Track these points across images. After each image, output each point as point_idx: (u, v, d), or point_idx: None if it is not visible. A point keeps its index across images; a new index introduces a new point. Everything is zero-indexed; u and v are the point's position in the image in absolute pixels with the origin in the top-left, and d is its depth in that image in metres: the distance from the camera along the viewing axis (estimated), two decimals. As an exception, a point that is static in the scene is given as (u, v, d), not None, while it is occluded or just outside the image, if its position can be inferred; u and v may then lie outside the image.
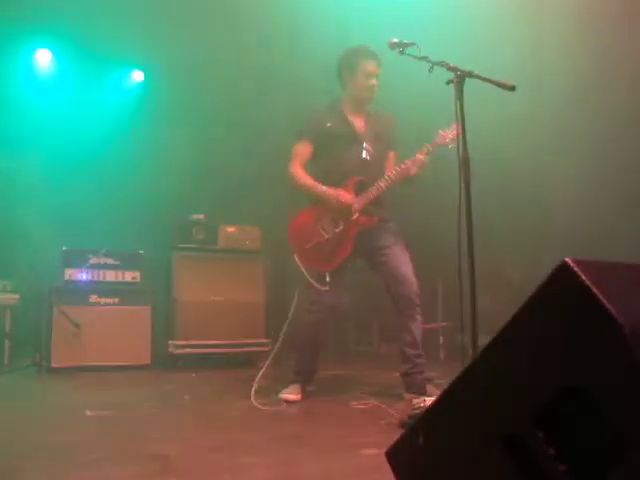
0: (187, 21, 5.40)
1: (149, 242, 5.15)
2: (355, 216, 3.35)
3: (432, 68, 2.63)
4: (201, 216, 5.20)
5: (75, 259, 4.77)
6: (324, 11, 4.93)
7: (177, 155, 5.71)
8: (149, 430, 2.70)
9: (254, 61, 5.75)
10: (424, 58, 2.69)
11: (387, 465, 1.49)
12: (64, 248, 4.76)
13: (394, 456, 1.49)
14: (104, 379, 4.17)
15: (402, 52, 2.78)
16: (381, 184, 3.35)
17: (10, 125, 5.25)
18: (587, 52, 4.51)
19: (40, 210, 5.25)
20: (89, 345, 4.52)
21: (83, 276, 4.75)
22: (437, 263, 4.85)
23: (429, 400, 2.56)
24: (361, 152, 3.49)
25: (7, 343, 4.75)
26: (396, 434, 1.54)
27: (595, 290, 1.08)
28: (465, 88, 2.49)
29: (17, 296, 4.75)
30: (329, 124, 3.49)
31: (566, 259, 1.14)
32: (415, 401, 2.90)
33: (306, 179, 3.47)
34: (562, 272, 1.14)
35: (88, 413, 3.04)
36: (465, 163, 2.45)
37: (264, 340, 4.99)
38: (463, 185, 2.43)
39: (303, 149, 3.52)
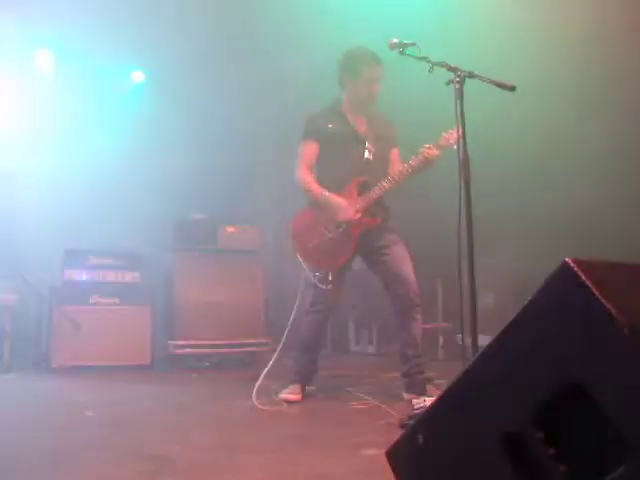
0: (187, 21, 5.40)
1: (149, 242, 5.16)
2: (357, 216, 3.35)
3: (432, 68, 2.63)
4: (201, 216, 5.20)
5: (75, 259, 4.77)
6: (325, 11, 4.93)
7: (177, 155, 5.71)
8: (149, 430, 2.70)
9: (254, 61, 5.75)
10: (424, 58, 2.69)
11: (387, 465, 1.49)
12: (64, 248, 4.76)
13: (394, 456, 1.49)
14: (104, 379, 4.17)
15: (402, 52, 2.78)
16: (384, 184, 3.35)
17: (10, 125, 5.25)
18: (590, 55, 4.51)
19: (40, 210, 5.25)
20: (89, 345, 4.52)
21: (83, 276, 4.75)
22: (437, 263, 4.85)
23: (429, 400, 2.56)
24: (363, 152, 3.49)
25: (7, 343, 4.75)
26: (396, 434, 1.54)
27: (595, 290, 1.09)
28: (466, 89, 2.49)
29: (17, 296, 4.75)
30: (330, 125, 3.49)
31: (566, 259, 1.14)
32: (415, 401, 2.91)
33: (313, 186, 3.45)
34: (563, 272, 1.14)
35: (88, 413, 3.04)
36: (465, 163, 2.45)
37: (264, 340, 4.99)
38: (463, 185, 2.43)
39: (309, 149, 3.51)
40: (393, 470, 1.48)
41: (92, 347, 4.52)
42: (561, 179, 4.90)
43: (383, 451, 1.51)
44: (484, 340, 1.51)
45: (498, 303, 5.03)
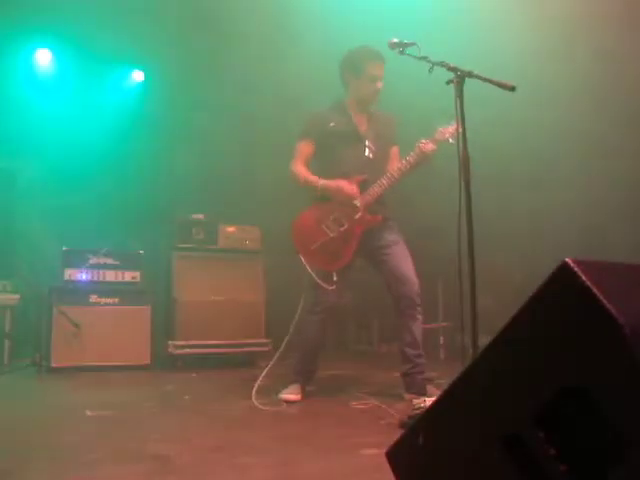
0: (187, 21, 5.40)
1: (149, 242, 5.16)
2: (359, 214, 3.36)
3: (432, 68, 2.63)
4: (201, 216, 5.21)
5: (75, 259, 4.77)
6: (325, 12, 4.93)
7: (177, 155, 5.71)
8: (149, 430, 2.70)
9: (254, 61, 5.75)
10: (424, 58, 2.69)
11: (387, 465, 1.49)
12: (64, 248, 4.76)
13: (394, 456, 1.49)
14: (104, 379, 4.17)
15: (402, 52, 2.78)
16: (383, 181, 3.36)
17: (10, 125, 5.25)
18: (589, 54, 4.51)
19: (40, 210, 5.25)
20: (89, 345, 4.52)
21: (83, 276, 4.75)
22: (437, 263, 4.85)
23: (429, 400, 2.56)
24: (364, 151, 3.49)
25: (7, 343, 4.75)
26: (396, 434, 1.54)
27: (595, 290, 1.08)
28: (465, 89, 2.49)
29: (17, 296, 4.75)
30: (332, 124, 3.49)
31: (566, 259, 1.14)
32: (415, 401, 2.90)
33: (307, 175, 3.47)
34: (562, 272, 1.14)
35: (88, 413, 3.04)
36: (465, 163, 2.45)
37: (264, 340, 4.99)
38: (463, 185, 2.43)
39: (305, 148, 3.53)
40: (393, 470, 1.48)
41: (92, 347, 4.53)
42: (562, 179, 4.90)
43: (383, 451, 1.51)
44: (484, 340, 1.51)
45: (498, 303, 5.03)
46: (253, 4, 5.20)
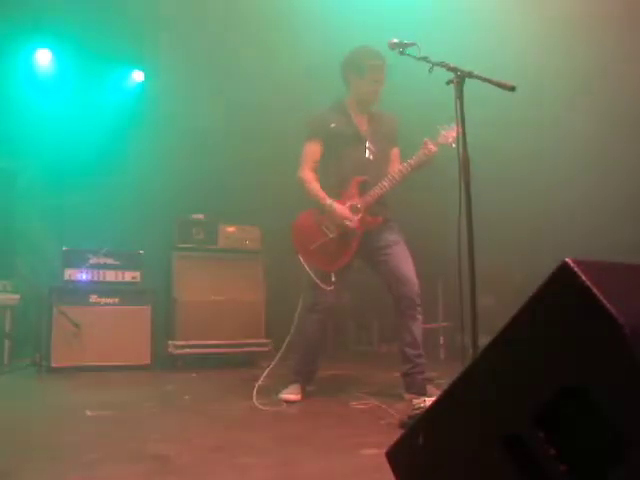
0: (187, 21, 5.40)
1: (149, 242, 5.16)
2: (360, 215, 3.36)
3: (432, 68, 2.63)
4: (201, 216, 5.21)
5: (75, 259, 4.77)
6: (326, 13, 4.93)
7: (177, 155, 5.71)
8: (149, 430, 2.70)
9: (254, 61, 5.75)
10: (424, 58, 2.69)
11: (387, 465, 1.49)
12: (64, 248, 4.77)
13: (394, 456, 1.49)
14: (104, 379, 4.17)
15: (402, 52, 2.78)
16: (385, 183, 3.35)
17: (10, 125, 5.25)
18: (589, 55, 4.51)
19: (40, 210, 5.26)
20: (89, 345, 4.53)
21: (83, 276, 4.75)
22: (438, 263, 4.85)
23: (429, 400, 2.56)
24: (365, 152, 3.49)
25: (7, 343, 4.75)
26: (396, 434, 1.54)
27: (595, 290, 1.08)
28: (466, 89, 2.49)
29: (17, 296, 4.76)
30: (333, 125, 3.49)
31: (566, 259, 1.14)
32: (415, 401, 2.90)
33: (315, 189, 3.44)
34: (562, 272, 1.14)
35: (88, 413, 3.04)
36: (465, 163, 2.45)
37: (264, 340, 5.00)
38: (463, 185, 2.42)
39: (313, 149, 3.51)
40: (393, 470, 1.48)
41: (92, 347, 4.53)
42: (562, 179, 4.90)
43: (383, 451, 1.51)
44: (484, 340, 1.51)
45: (498, 303, 5.03)
46: (253, 4, 5.20)
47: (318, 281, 3.33)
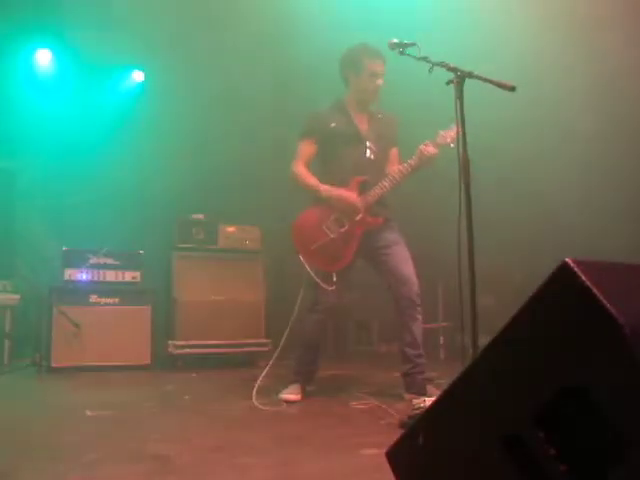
0: (187, 21, 5.40)
1: (149, 242, 5.16)
2: (360, 216, 3.35)
3: (432, 68, 2.63)
4: (201, 216, 5.21)
5: (75, 259, 4.77)
6: (326, 13, 4.94)
7: (177, 155, 5.71)
8: (149, 430, 2.70)
9: (254, 61, 5.75)
10: (424, 58, 2.69)
11: (387, 465, 1.49)
12: (64, 248, 4.76)
13: (394, 456, 1.49)
14: (104, 379, 4.17)
15: (402, 52, 2.78)
16: (385, 183, 3.35)
17: (10, 125, 5.25)
18: (589, 55, 4.51)
19: (40, 210, 5.25)
20: (89, 345, 4.52)
21: (83, 276, 4.75)
22: (438, 263, 4.85)
23: (429, 400, 2.56)
24: (365, 151, 3.48)
25: (7, 343, 4.75)
26: (396, 434, 1.54)
27: (595, 290, 1.08)
28: (466, 89, 2.49)
29: (17, 296, 4.76)
30: (333, 124, 3.48)
31: (566, 259, 1.14)
32: (415, 401, 2.90)
33: (309, 178, 3.46)
34: (562, 272, 1.14)
35: (88, 413, 3.04)
36: (465, 164, 2.45)
37: (264, 340, 4.99)
38: (463, 186, 2.43)
39: (307, 148, 3.51)
40: (393, 470, 1.48)
41: (92, 347, 4.53)
42: (562, 179, 4.90)
43: (383, 451, 1.51)
44: (484, 340, 1.51)
45: (498, 303, 5.03)
46: (253, 4, 5.20)
47: (319, 281, 3.32)
